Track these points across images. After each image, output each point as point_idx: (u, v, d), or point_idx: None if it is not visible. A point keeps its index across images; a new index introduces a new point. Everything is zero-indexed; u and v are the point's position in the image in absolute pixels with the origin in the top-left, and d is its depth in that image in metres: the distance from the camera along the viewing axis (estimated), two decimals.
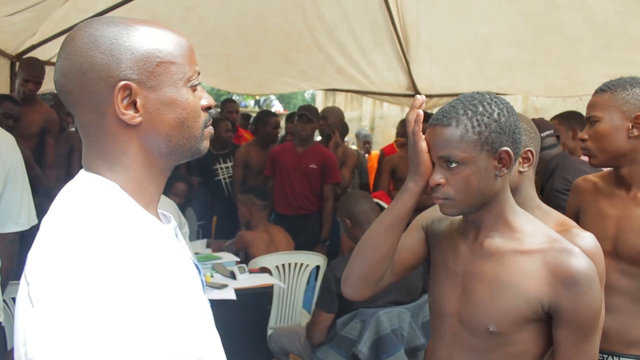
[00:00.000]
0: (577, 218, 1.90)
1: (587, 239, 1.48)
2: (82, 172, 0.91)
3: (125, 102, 0.87)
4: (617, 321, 1.78)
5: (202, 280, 1.00)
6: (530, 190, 1.60)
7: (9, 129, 3.35)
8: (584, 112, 2.71)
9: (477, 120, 1.20)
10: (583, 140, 1.85)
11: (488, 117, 1.20)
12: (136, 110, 0.88)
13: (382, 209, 3.61)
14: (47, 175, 4.03)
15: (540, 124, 2.75)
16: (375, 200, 3.64)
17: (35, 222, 2.33)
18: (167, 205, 2.92)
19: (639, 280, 1.77)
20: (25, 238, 2.29)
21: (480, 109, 1.21)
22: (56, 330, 0.72)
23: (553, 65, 4.73)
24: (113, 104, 0.86)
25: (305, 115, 4.37)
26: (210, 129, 0.98)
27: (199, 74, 0.95)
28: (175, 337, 0.80)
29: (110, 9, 3.88)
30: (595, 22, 4.00)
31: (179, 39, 0.93)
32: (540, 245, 1.25)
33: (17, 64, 4.36)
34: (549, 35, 4.38)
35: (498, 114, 1.21)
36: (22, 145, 3.63)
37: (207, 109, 0.96)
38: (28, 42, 4.36)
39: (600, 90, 1.80)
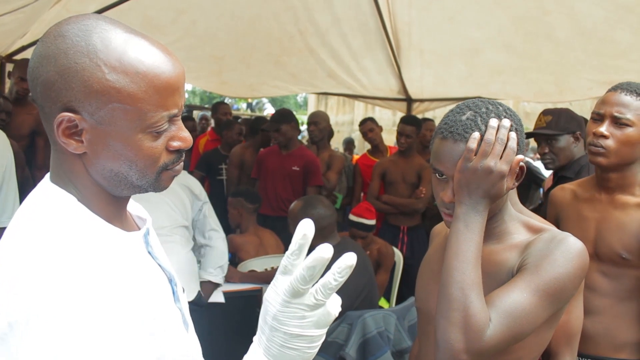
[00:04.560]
0: (556, 226, 1.91)
1: None
2: (45, 179, 0.87)
3: (68, 131, 0.79)
4: (603, 325, 1.79)
5: (173, 288, 0.94)
6: (513, 195, 1.61)
7: (2, 122, 3.38)
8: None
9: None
10: (601, 135, 1.75)
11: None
12: (81, 139, 0.80)
13: (363, 226, 3.60)
14: (36, 176, 4.02)
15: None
16: (359, 219, 3.63)
17: None
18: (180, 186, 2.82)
19: (620, 281, 1.78)
20: None
21: None
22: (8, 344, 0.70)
23: (542, 71, 4.77)
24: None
25: (268, 127, 4.51)
26: (175, 171, 0.87)
27: (174, 115, 0.83)
28: (132, 347, 0.76)
29: (102, 11, 3.88)
30: (583, 28, 4.04)
31: (160, 77, 0.80)
32: (528, 238, 1.23)
33: (8, 64, 4.35)
34: (538, 41, 4.42)
35: (515, 129, 1.18)
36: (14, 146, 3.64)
37: (177, 150, 0.85)
38: (18, 43, 4.35)
39: (635, 94, 1.72)
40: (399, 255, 4.00)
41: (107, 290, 0.75)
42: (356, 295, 2.74)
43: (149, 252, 0.91)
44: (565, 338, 1.39)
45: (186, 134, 0.85)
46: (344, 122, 12.21)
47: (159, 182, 0.86)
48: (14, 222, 0.82)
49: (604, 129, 1.74)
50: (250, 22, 4.82)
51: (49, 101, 0.78)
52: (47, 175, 0.87)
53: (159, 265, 0.92)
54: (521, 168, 1.20)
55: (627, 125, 1.72)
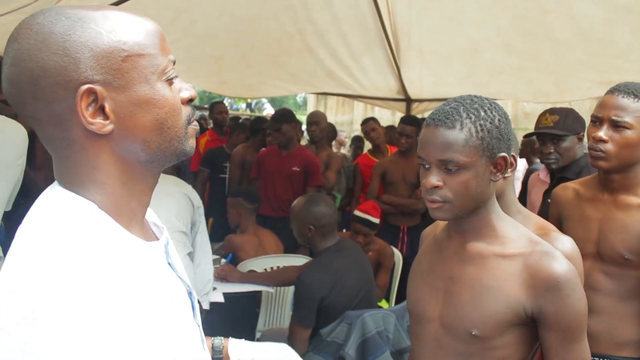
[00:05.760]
0: (559, 225, 1.91)
1: (566, 242, 1.50)
2: (55, 187, 0.79)
3: (91, 109, 0.74)
4: (605, 323, 1.81)
5: (192, 301, 0.90)
6: (512, 194, 1.62)
7: None
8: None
9: (481, 125, 1.19)
10: (600, 140, 1.75)
11: (490, 123, 1.19)
12: (105, 116, 0.75)
13: (370, 223, 3.60)
14: (37, 177, 4.01)
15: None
16: (365, 216, 3.63)
17: None
18: (176, 194, 2.76)
19: (622, 281, 1.79)
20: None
21: (482, 114, 1.20)
22: None
23: (542, 71, 4.77)
24: (77, 113, 0.74)
25: (269, 125, 4.51)
26: (195, 126, 0.86)
27: (174, 63, 0.82)
28: None
29: None
30: (583, 28, 4.04)
31: (146, 25, 0.79)
32: (522, 249, 1.25)
33: None
34: (538, 41, 4.41)
35: (499, 120, 1.21)
36: None
37: (189, 101, 0.84)
38: None
39: (633, 95, 1.71)
40: (398, 256, 4.00)
41: (131, 304, 0.70)
42: (355, 294, 2.74)
43: (169, 264, 0.87)
44: None
45: (188, 84, 0.85)
46: (343, 122, 12.20)
47: (187, 139, 0.83)
48: (27, 231, 0.74)
49: (602, 133, 1.74)
50: (250, 22, 4.81)
51: (59, 89, 0.73)
52: (55, 184, 0.80)
53: (179, 278, 0.88)
54: (504, 159, 1.23)
55: (626, 128, 1.72)
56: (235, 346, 1.25)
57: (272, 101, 20.51)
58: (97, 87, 0.74)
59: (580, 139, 2.65)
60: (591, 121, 1.82)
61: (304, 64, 5.44)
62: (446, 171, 1.20)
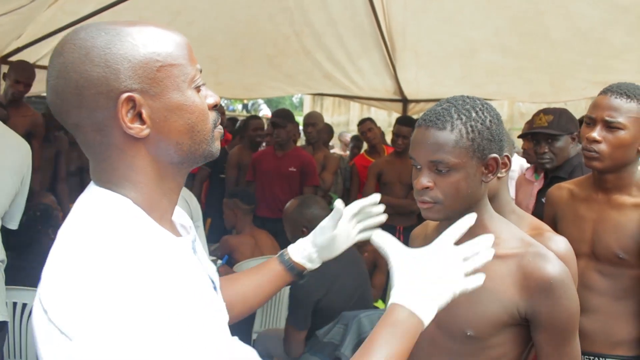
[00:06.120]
0: (554, 226, 1.92)
1: (560, 242, 1.51)
2: (92, 186, 0.87)
3: (130, 115, 0.81)
4: (600, 322, 1.81)
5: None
6: (506, 195, 1.63)
7: None
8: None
9: (471, 126, 1.18)
10: (594, 140, 1.75)
11: (481, 124, 1.19)
12: (142, 121, 0.83)
13: None
14: (33, 178, 4.00)
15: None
16: None
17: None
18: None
19: (617, 280, 1.80)
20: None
21: (474, 114, 1.19)
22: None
23: (538, 71, 4.78)
24: (117, 119, 0.81)
25: (274, 122, 4.47)
26: (220, 129, 0.92)
27: (201, 71, 0.89)
28: (192, 351, 0.76)
29: (98, 12, 3.86)
30: (579, 29, 4.05)
31: (176, 38, 0.87)
32: (515, 249, 1.25)
33: (3, 66, 4.33)
34: (534, 41, 4.43)
35: (490, 121, 1.21)
36: None
37: (214, 107, 0.91)
38: (13, 45, 4.34)
39: (625, 96, 1.72)
40: None
41: (160, 302, 0.74)
42: (350, 295, 2.74)
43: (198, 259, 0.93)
44: None
45: (212, 92, 0.92)
46: (340, 122, 12.22)
47: (213, 141, 0.90)
48: (67, 231, 0.82)
49: (596, 134, 1.75)
50: (247, 23, 4.82)
51: (101, 98, 0.80)
52: (91, 184, 0.88)
53: (207, 274, 0.94)
54: (495, 160, 1.22)
55: (619, 128, 1.73)
56: (296, 249, 1.37)
57: (269, 102, 20.49)
58: (136, 95, 0.81)
59: (574, 139, 2.67)
60: (585, 122, 1.83)
61: (300, 65, 5.45)
62: (437, 172, 1.21)
